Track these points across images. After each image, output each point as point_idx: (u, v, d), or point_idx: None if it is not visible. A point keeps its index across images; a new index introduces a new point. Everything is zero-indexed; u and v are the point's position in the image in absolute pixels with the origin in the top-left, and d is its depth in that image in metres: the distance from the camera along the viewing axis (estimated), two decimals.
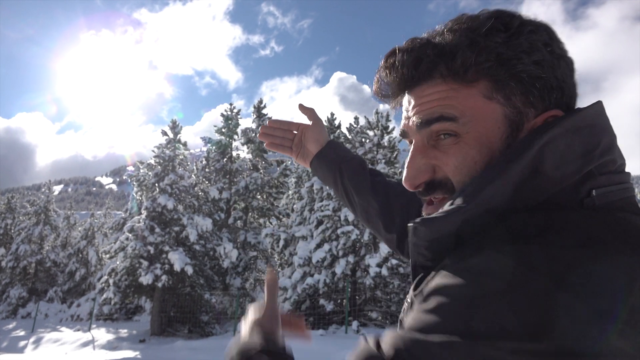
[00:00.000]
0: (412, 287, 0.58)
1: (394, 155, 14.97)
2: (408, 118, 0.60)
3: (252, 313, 0.74)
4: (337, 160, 1.05)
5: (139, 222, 15.73)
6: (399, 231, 0.95)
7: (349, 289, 12.38)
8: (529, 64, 0.54)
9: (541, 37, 0.55)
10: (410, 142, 0.62)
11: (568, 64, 0.57)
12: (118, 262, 15.75)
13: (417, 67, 0.57)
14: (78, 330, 17.36)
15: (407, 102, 0.61)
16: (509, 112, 0.55)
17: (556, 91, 0.55)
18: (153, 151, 17.68)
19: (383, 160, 14.16)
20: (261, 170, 19.07)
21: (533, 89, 0.54)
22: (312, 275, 13.28)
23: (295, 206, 15.97)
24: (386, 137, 14.96)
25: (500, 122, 0.55)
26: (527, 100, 0.55)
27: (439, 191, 0.59)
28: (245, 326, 0.72)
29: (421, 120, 0.57)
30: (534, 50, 0.54)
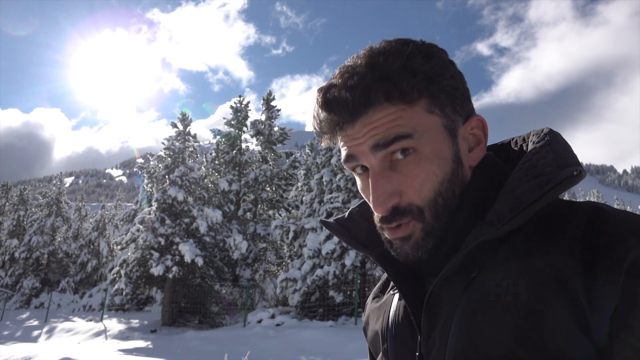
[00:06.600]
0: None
1: None
2: (357, 144, 0.61)
3: None
4: None
5: (150, 213, 15.82)
6: None
7: (359, 281, 12.37)
8: (448, 78, 0.61)
9: (446, 56, 0.63)
10: (353, 168, 0.64)
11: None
12: (129, 253, 15.87)
13: (368, 94, 0.58)
14: (90, 320, 17.59)
15: (352, 130, 0.61)
16: (446, 122, 0.61)
17: (468, 99, 0.65)
18: (163, 143, 17.72)
19: None
20: (270, 162, 19.06)
21: (455, 99, 0.62)
22: (321, 267, 13.27)
23: (304, 198, 15.93)
24: None
25: (443, 132, 0.61)
26: (455, 109, 0.63)
27: (405, 217, 0.61)
28: None
29: (377, 143, 0.59)
30: (447, 66, 0.62)
